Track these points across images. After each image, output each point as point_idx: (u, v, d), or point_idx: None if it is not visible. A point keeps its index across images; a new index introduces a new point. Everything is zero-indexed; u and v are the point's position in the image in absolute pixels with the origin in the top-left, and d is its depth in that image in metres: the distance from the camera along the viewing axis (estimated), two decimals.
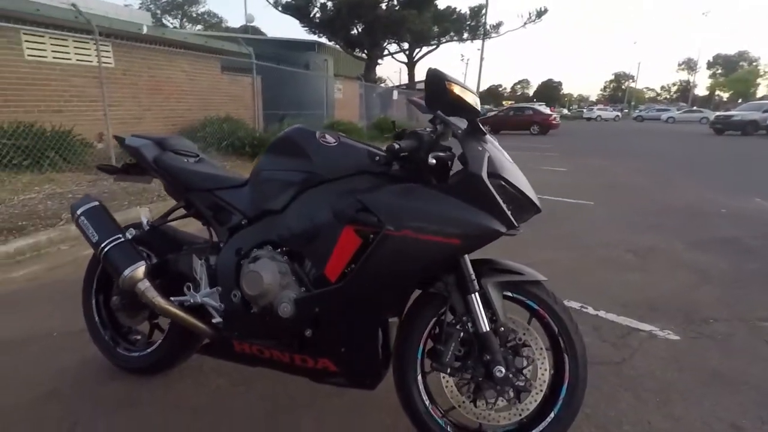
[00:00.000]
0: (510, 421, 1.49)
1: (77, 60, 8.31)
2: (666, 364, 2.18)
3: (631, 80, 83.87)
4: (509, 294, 1.49)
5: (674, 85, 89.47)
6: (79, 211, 1.84)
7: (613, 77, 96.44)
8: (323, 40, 20.37)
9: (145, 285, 1.69)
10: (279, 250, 1.57)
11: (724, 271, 3.41)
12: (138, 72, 9.59)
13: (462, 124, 1.42)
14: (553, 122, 21.63)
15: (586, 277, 3.32)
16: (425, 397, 1.51)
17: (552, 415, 1.48)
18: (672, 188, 7.11)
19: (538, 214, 1.47)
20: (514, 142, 17.14)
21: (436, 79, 1.25)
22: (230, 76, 12.37)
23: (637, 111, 53.47)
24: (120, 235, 1.78)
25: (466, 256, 1.43)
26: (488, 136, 1.44)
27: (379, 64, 23.09)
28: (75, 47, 8.28)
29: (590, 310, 2.74)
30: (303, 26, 19.51)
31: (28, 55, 7.61)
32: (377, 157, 1.45)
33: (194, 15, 33.53)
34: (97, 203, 1.89)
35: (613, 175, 8.54)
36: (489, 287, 1.43)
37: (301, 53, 16.24)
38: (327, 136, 1.57)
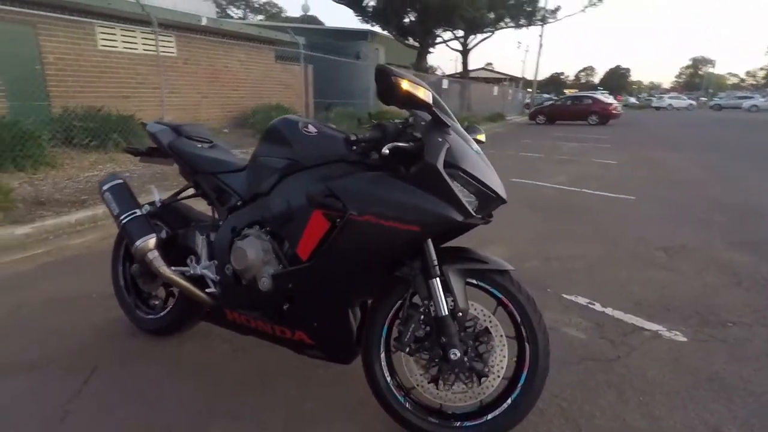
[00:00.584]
0: (466, 403, 1.56)
1: (143, 50, 8.94)
2: (663, 365, 2.12)
3: (710, 66, 76.96)
4: (473, 282, 1.54)
5: (762, 69, 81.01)
6: (105, 187, 2.09)
7: (690, 63, 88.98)
8: (376, 29, 20.44)
9: (153, 255, 1.91)
10: (264, 229, 1.72)
11: (762, 275, 3.19)
12: (197, 61, 10.19)
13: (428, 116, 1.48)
14: (613, 112, 20.45)
15: (605, 273, 3.23)
16: (387, 374, 1.60)
17: (509, 401, 1.53)
18: (731, 184, 6.59)
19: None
20: (568, 132, 16.44)
21: (383, 75, 1.29)
22: (283, 65, 12.78)
23: (715, 99, 48.92)
24: (137, 210, 2.01)
25: (430, 242, 1.49)
26: (453, 128, 1.48)
27: (431, 52, 22.89)
28: (142, 38, 8.90)
29: (597, 307, 2.68)
30: (356, 15, 19.66)
31: (102, 46, 8.32)
32: (354, 147, 1.54)
33: (256, 5, 34.81)
34: (120, 181, 2.13)
35: (666, 168, 8.04)
36: (450, 273, 1.49)
37: (354, 43, 16.42)
38: (310, 126, 1.68)
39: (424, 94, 1.32)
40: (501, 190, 1.47)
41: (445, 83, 16.56)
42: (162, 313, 2.20)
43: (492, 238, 3.94)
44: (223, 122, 10.69)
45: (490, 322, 1.54)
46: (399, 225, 1.39)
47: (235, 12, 34.49)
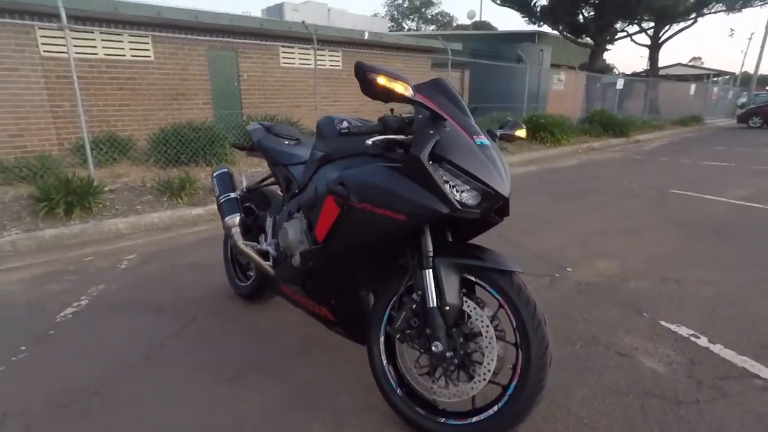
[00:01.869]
0: (448, 399, 1.53)
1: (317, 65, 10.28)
2: (754, 421, 1.68)
3: None
4: (472, 278, 1.51)
5: None
6: (214, 174, 2.63)
7: None
8: (545, 29, 19.35)
9: (235, 230, 2.34)
10: (303, 213, 1.96)
11: None
12: None
13: (449, 110, 1.51)
14: None
15: (733, 306, 2.61)
16: (383, 357, 1.67)
17: (495, 408, 1.46)
18: None
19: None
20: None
21: (359, 71, 1.34)
22: (439, 72, 13.14)
23: None
24: (231, 193, 2.48)
25: (427, 232, 1.52)
26: (456, 122, 1.48)
27: (607, 49, 20.49)
28: (318, 55, 10.22)
29: (701, 341, 2.22)
30: (523, 17, 18.93)
31: (282, 63, 9.86)
32: (375, 142, 1.66)
33: (429, 16, 36.38)
34: (226, 170, 2.64)
35: None
36: (442, 266, 1.49)
37: (518, 45, 15.89)
38: (344, 122, 1.85)
39: (402, 88, 1.37)
40: (499, 185, 1.42)
41: (619, 83, 14.72)
42: (248, 282, 2.64)
43: (606, 250, 3.54)
44: None
45: (482, 323, 1.48)
46: (388, 213, 1.47)
47: (408, 24, 36.74)
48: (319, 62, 10.17)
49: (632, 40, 21.21)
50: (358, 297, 1.76)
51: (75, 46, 7.06)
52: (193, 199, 5.17)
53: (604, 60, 20.30)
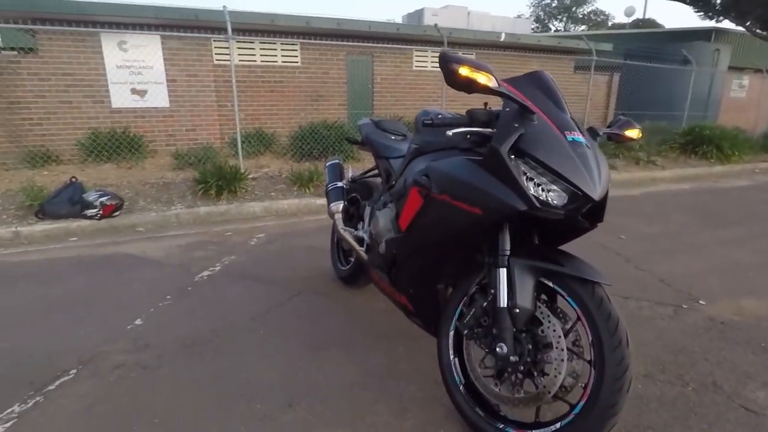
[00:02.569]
0: (508, 406, 1.46)
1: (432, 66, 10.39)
2: None
3: None
4: (549, 284, 1.43)
5: None
6: (326, 164, 2.87)
7: None
8: (726, 24, 16.52)
9: (338, 216, 2.53)
10: (394, 203, 2.04)
11: None
12: None
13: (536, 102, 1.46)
14: None
15: None
16: (450, 351, 1.66)
17: (557, 425, 1.36)
18: None
19: None
20: None
21: (443, 61, 1.34)
22: (583, 75, 12.20)
23: None
24: (338, 182, 2.68)
25: (506, 230, 1.48)
26: (547, 116, 1.41)
27: None
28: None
29: None
30: (696, 12, 16.38)
31: (415, 66, 10.15)
32: (468, 136, 1.66)
33: (580, 16, 33.69)
34: (337, 161, 2.86)
35: None
36: (517, 267, 1.44)
37: (685, 45, 13.87)
38: (439, 116, 1.88)
39: (485, 78, 1.35)
40: (587, 186, 1.33)
41: None
42: (347, 267, 2.83)
43: (759, 287, 2.96)
44: None
45: (554, 333, 1.39)
46: (465, 206, 1.47)
47: (555, 25, 34.54)
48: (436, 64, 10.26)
49: None
50: (436, 289, 1.78)
51: (239, 54, 8.26)
52: (318, 190, 5.65)
53: None
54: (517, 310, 1.41)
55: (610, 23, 33.47)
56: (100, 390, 1.87)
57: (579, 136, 1.41)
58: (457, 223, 1.53)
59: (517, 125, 1.39)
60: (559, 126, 1.41)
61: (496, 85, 1.37)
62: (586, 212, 1.46)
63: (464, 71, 1.33)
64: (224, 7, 6.09)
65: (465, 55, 1.38)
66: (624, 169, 7.62)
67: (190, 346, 2.20)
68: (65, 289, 2.96)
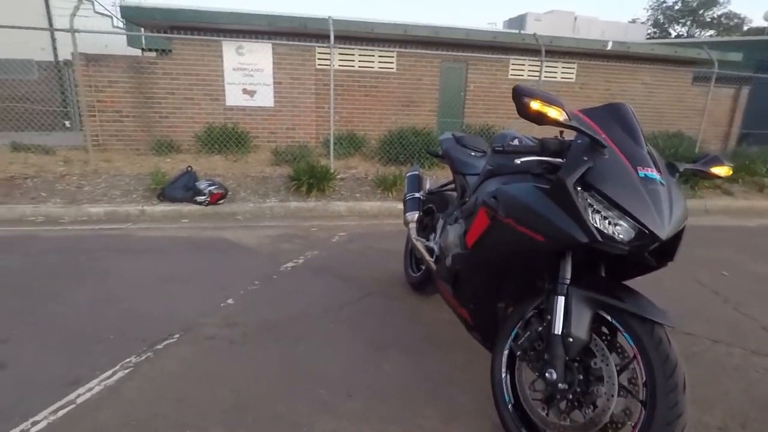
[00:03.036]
0: None
1: (544, 78, 10.03)
2: None
3: None
4: (607, 317, 1.43)
5: None
6: (407, 174, 3.01)
7: None
8: None
9: (412, 226, 2.66)
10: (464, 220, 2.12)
11: None
12: (595, 85, 10.43)
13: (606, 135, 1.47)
14: None
15: None
16: (503, 370, 1.69)
17: None
18: None
19: None
20: None
21: (515, 94, 1.39)
22: (702, 88, 11.07)
23: None
24: (416, 193, 2.81)
25: (568, 258, 1.51)
26: (619, 149, 1.41)
27: None
28: (550, 66, 10.00)
29: None
30: None
31: (510, 75, 9.95)
32: (524, 161, 1.69)
33: (707, 20, 30.09)
34: (417, 172, 2.99)
35: None
36: (575, 296, 1.46)
37: None
38: (516, 140, 1.93)
39: (556, 113, 1.38)
40: (654, 224, 1.32)
41: None
42: (418, 274, 2.95)
43: None
44: None
45: (607, 367, 1.39)
46: (529, 232, 1.52)
47: (677, 29, 31.24)
48: (549, 74, 9.89)
49: None
50: (495, 308, 1.84)
51: (339, 59, 8.76)
52: (400, 195, 5.82)
53: None
54: (571, 339, 1.43)
55: (745, 27, 29.61)
56: (196, 355, 2.19)
57: (653, 173, 1.39)
58: (519, 248, 1.58)
59: (586, 158, 1.41)
60: (631, 161, 1.40)
61: (567, 118, 1.41)
62: (656, 250, 1.43)
63: (535, 105, 1.38)
64: (329, 17, 6.52)
65: (538, 90, 1.42)
66: (743, 196, 6.82)
67: (270, 329, 2.48)
68: (175, 265, 3.44)
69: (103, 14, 14.77)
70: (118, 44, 12.28)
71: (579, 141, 1.49)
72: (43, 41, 12.72)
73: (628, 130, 1.49)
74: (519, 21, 17.18)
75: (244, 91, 8.54)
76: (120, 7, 8.35)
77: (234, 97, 8.46)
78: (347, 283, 3.18)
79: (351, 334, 2.45)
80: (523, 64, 9.91)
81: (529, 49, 9.61)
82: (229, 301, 2.81)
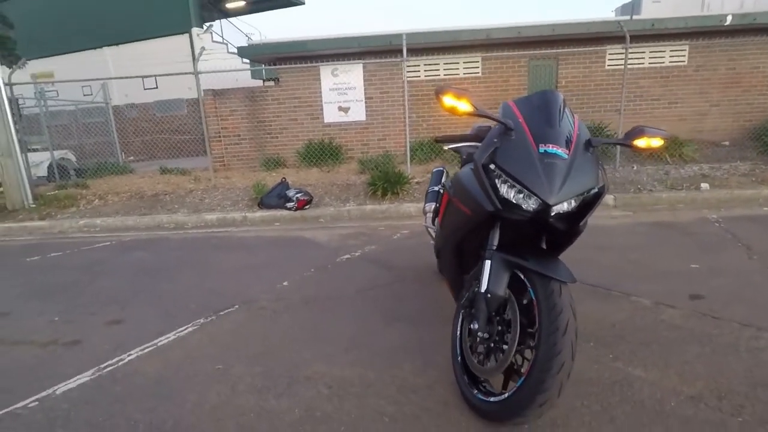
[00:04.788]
0: (480, 376, 1.70)
1: (649, 63, 9.23)
2: None
3: None
4: (519, 275, 1.62)
5: None
6: (433, 171, 3.29)
7: None
8: None
9: (428, 215, 2.96)
10: None
11: None
12: (714, 66, 9.26)
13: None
14: None
15: None
16: (458, 327, 1.91)
17: (504, 395, 1.58)
18: None
19: None
20: None
21: (436, 92, 1.63)
22: None
23: None
24: (435, 186, 3.09)
25: (497, 227, 1.72)
26: (530, 131, 1.59)
27: None
28: (656, 51, 9.21)
29: None
30: None
31: (608, 66, 9.35)
32: (450, 148, 1.94)
33: None
34: (441, 169, 3.26)
35: None
36: (494, 259, 1.66)
37: None
38: (477, 127, 2.15)
39: (465, 105, 1.60)
40: (543, 191, 1.49)
41: None
42: None
43: None
44: (731, 134, 9.19)
45: (515, 318, 1.58)
46: (463, 207, 1.78)
47: None
48: (654, 60, 9.05)
49: None
50: (462, 279, 2.07)
51: (426, 70, 9.19)
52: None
53: None
54: (489, 296, 1.64)
55: None
56: (246, 320, 2.78)
57: (554, 148, 1.54)
58: (459, 221, 1.84)
59: (496, 140, 1.63)
60: (536, 139, 1.57)
61: (475, 109, 1.61)
62: (570, 219, 1.59)
63: (446, 99, 1.61)
64: (403, 33, 7.02)
65: (451, 86, 1.62)
66: None
67: (308, 303, 2.98)
68: (256, 257, 4.18)
69: (234, 54, 17.38)
70: (247, 78, 14.39)
71: (495, 126, 1.70)
72: (190, 81, 15.55)
73: (546, 113, 1.65)
74: (632, 6, 15.73)
75: (339, 108, 9.45)
76: (237, 47, 9.90)
77: (330, 115, 9.42)
78: (388, 270, 3.56)
79: (371, 309, 2.83)
80: (623, 52, 9.21)
81: (634, 35, 8.95)
82: (285, 283, 3.40)
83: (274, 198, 6.06)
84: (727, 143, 8.60)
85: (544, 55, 9.00)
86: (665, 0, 15.65)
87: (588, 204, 1.60)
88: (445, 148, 2.00)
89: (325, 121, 9.44)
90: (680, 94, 9.23)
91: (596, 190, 1.61)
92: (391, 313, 2.76)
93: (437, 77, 9.28)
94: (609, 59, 9.28)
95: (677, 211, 5.20)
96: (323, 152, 8.57)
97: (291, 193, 5.97)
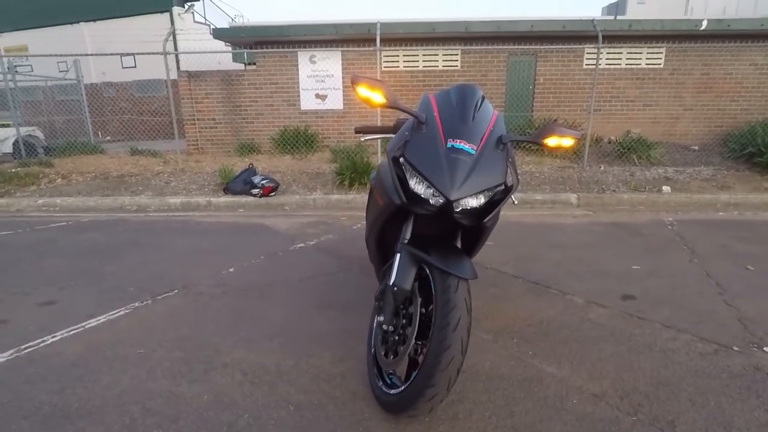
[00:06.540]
0: (385, 368, 1.72)
1: (625, 65, 9.30)
2: None
3: None
4: (427, 271, 1.62)
5: None
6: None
7: None
8: None
9: None
10: None
11: None
12: (688, 70, 9.38)
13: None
14: None
15: None
16: (375, 316, 1.92)
17: (401, 388, 1.58)
18: None
19: None
20: None
21: (352, 82, 1.63)
22: None
23: None
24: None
25: (410, 221, 1.71)
26: (441, 124, 1.59)
27: None
28: (633, 52, 9.28)
29: None
30: None
31: (585, 65, 9.40)
32: (366, 140, 1.94)
33: None
34: None
35: None
36: (402, 253, 1.67)
37: None
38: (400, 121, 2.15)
39: (379, 96, 1.60)
40: (444, 186, 1.49)
41: None
42: None
43: None
44: (701, 139, 9.34)
45: (415, 311, 1.59)
46: (378, 198, 1.78)
47: None
48: (632, 61, 9.13)
49: None
50: (381, 258, 2.08)
51: (405, 61, 9.13)
52: None
53: None
54: (396, 289, 1.64)
55: None
56: (181, 304, 2.76)
57: (462, 144, 1.54)
58: (378, 212, 1.83)
59: (407, 133, 1.62)
60: (445, 134, 1.57)
61: (388, 102, 1.61)
62: (477, 215, 1.60)
63: (361, 90, 1.61)
64: (378, 23, 6.96)
65: (368, 76, 1.62)
66: None
67: (247, 290, 2.97)
68: (210, 242, 4.14)
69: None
70: (230, 62, 14.13)
71: (410, 119, 1.70)
72: (171, 62, 15.22)
73: (461, 108, 1.64)
74: (617, 6, 15.82)
75: (317, 95, 9.36)
76: (213, 29, 9.71)
77: (308, 102, 9.32)
78: (338, 260, 3.55)
79: (308, 297, 2.83)
80: (601, 52, 9.27)
81: (607, 35, 8.99)
82: (231, 269, 3.37)
83: (239, 184, 5.99)
84: (696, 147, 8.74)
85: (522, 51, 9.00)
86: (651, 2, 15.78)
87: (495, 201, 1.61)
88: (362, 140, 1.99)
89: (302, 108, 9.35)
90: (655, 96, 9.34)
91: (502, 186, 1.62)
92: (326, 301, 2.76)
93: (416, 68, 9.24)
94: (587, 58, 9.33)
95: (636, 213, 5.29)
96: (298, 139, 8.50)
97: (257, 179, 5.92)
